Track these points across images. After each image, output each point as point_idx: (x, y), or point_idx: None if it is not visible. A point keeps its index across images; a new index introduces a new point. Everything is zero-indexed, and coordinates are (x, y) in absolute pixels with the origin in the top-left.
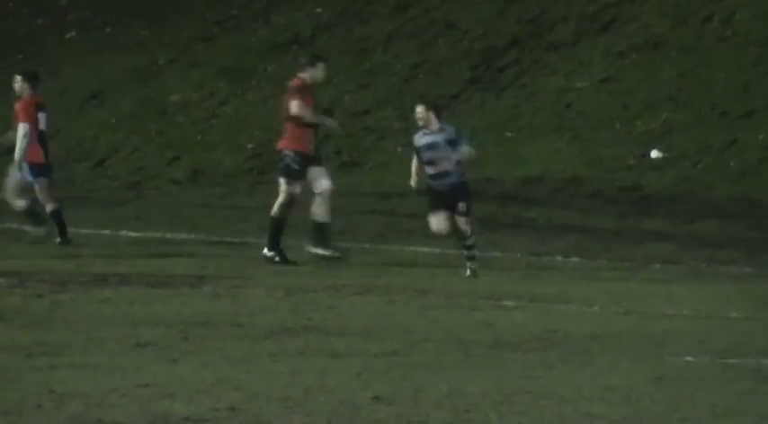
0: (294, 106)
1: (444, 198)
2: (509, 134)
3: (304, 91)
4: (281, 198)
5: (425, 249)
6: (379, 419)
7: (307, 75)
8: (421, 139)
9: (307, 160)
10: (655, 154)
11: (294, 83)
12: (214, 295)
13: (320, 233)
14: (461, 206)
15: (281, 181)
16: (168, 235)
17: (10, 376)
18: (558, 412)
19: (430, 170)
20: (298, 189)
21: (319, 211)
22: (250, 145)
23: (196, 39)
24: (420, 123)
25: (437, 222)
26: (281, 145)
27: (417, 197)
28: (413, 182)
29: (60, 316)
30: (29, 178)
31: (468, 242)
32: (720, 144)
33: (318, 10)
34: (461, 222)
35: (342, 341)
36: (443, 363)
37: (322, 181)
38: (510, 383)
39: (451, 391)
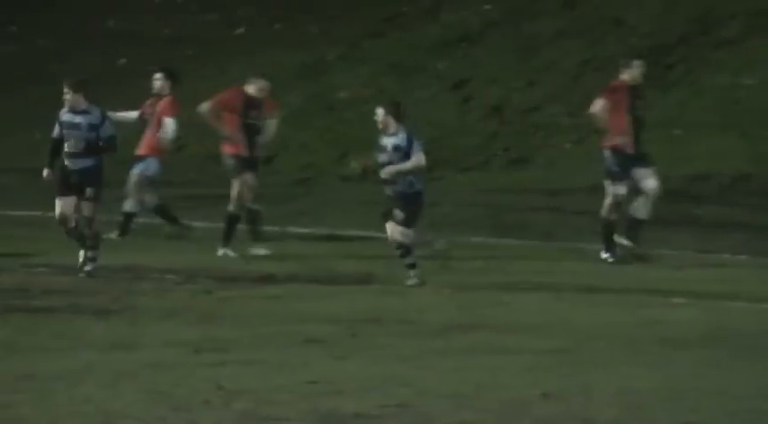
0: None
1: (392, 205)
2: (676, 131)
3: (615, 91)
4: (606, 200)
5: (594, 246)
6: (548, 415)
7: (626, 76)
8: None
9: (628, 159)
10: None
11: (613, 83)
12: (383, 292)
13: (634, 227)
14: (396, 214)
15: (606, 183)
16: (337, 232)
17: (179, 372)
18: (726, 409)
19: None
20: (622, 190)
21: (641, 207)
22: None
23: (365, 36)
24: (379, 126)
25: (389, 229)
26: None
27: (586, 194)
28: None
29: (229, 312)
30: (151, 172)
31: (401, 252)
32: None
33: (487, 7)
34: (395, 232)
35: (511, 338)
36: (612, 360)
37: (649, 181)
38: (678, 380)
39: (620, 388)
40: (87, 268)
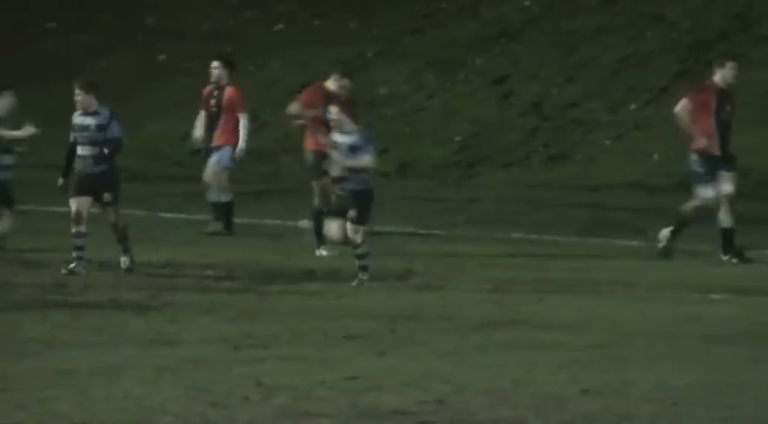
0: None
1: (342, 204)
2: None
3: (702, 92)
4: (693, 202)
5: (633, 242)
6: (587, 411)
7: (717, 77)
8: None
9: (714, 161)
10: None
11: (703, 84)
12: (422, 288)
13: (727, 239)
14: (349, 212)
15: (693, 185)
16: (377, 228)
17: (218, 368)
18: (764, 406)
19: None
20: (709, 193)
21: (724, 217)
22: (458, 138)
23: (405, 32)
24: (332, 125)
25: (333, 228)
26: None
27: (625, 190)
28: None
29: (268, 308)
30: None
31: (358, 252)
32: None
33: (527, 3)
34: (348, 230)
35: (549, 334)
36: (651, 356)
37: (725, 185)
38: (717, 376)
39: (659, 384)
40: (124, 265)
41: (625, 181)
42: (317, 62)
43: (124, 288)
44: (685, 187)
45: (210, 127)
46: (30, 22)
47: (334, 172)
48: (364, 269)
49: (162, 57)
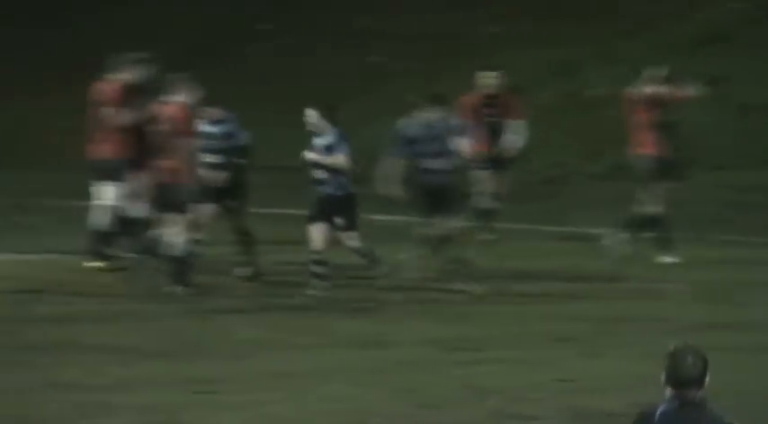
0: None
1: (323, 209)
2: None
3: None
4: None
5: None
6: None
7: None
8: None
9: None
10: None
11: None
12: (631, 290)
13: None
14: (336, 222)
15: None
16: (589, 231)
17: (429, 370)
18: None
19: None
20: None
21: None
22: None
23: (617, 35)
24: (310, 128)
25: (315, 233)
26: None
27: None
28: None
29: (480, 311)
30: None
31: (368, 260)
32: None
33: (741, 5)
34: (344, 237)
35: (763, 336)
36: None
37: None
38: None
39: None
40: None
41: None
42: (529, 64)
43: (338, 289)
44: None
45: (492, 135)
46: (244, 24)
47: (306, 159)
48: (382, 276)
49: (373, 58)
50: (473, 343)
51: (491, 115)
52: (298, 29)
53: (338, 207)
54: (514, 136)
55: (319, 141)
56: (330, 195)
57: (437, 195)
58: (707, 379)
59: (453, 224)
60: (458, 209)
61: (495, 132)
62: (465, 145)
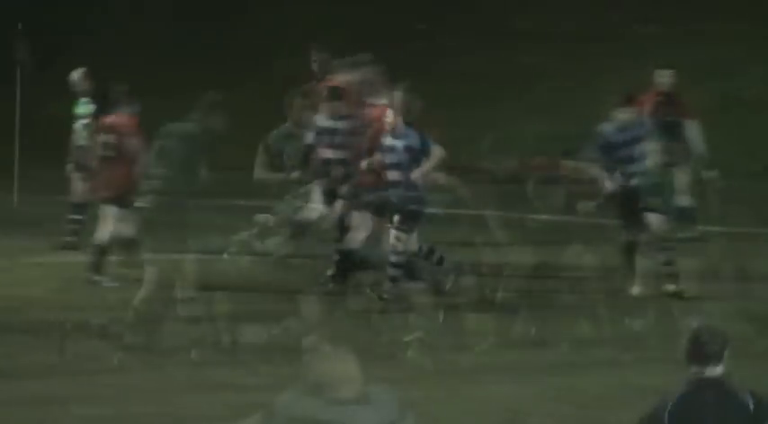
0: None
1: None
2: None
3: None
4: None
5: None
6: None
7: None
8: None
9: None
10: None
11: None
12: None
13: None
14: (395, 219)
15: None
16: (753, 230)
17: (581, 372)
18: None
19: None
20: None
21: None
22: None
23: None
24: (388, 128)
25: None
26: None
27: None
28: None
29: (626, 312)
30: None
31: (394, 261)
32: None
33: None
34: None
35: None
36: None
37: None
38: None
39: None
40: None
41: None
42: (685, 64)
43: (488, 289)
44: None
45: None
46: (400, 25)
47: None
48: (394, 280)
49: (525, 59)
50: (631, 343)
51: (667, 114)
52: (452, 29)
53: (405, 207)
54: (698, 139)
55: (398, 142)
56: (402, 196)
57: (638, 199)
58: (726, 353)
59: (659, 225)
60: (662, 210)
61: (671, 131)
62: (654, 146)
